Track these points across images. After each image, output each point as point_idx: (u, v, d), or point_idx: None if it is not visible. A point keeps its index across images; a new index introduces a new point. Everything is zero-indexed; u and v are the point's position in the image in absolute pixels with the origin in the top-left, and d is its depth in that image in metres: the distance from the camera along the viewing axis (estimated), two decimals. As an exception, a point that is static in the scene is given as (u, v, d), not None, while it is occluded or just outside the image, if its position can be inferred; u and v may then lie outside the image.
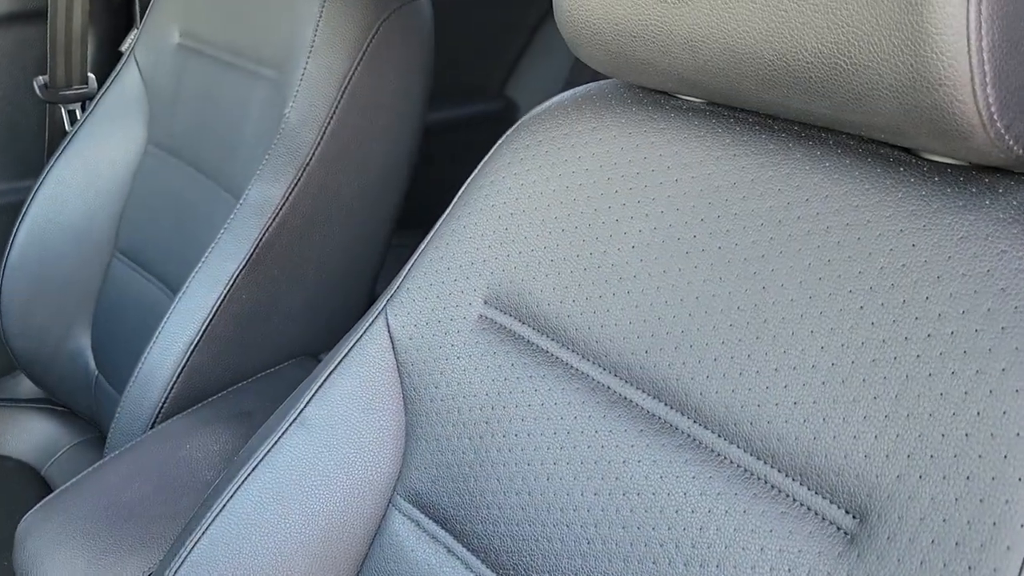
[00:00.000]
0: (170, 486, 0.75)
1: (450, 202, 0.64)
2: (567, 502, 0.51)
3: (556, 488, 0.51)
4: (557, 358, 0.54)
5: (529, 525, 0.52)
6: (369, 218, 0.92)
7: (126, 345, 1.10)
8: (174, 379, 0.83)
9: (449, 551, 0.57)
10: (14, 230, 1.11)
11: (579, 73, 1.76)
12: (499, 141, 0.63)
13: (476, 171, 0.62)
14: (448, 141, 1.56)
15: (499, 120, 1.76)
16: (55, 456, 1.17)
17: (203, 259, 0.86)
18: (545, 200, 0.57)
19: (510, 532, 0.53)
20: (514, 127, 0.62)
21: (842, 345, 0.43)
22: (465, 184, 0.63)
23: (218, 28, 1.03)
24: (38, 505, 0.75)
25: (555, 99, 0.62)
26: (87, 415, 1.17)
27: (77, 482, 0.77)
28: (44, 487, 1.12)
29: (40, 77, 1.21)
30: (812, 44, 0.42)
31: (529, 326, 0.56)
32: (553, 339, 0.55)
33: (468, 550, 0.55)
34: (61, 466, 1.15)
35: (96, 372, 1.14)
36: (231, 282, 0.83)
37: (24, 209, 1.11)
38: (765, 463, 0.44)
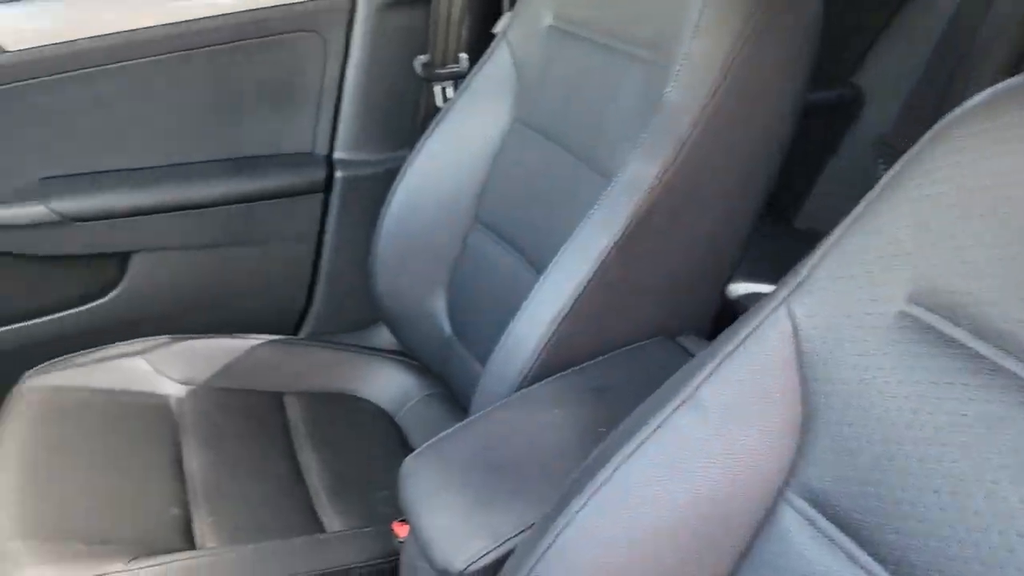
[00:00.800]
0: (540, 448, 0.79)
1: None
2: (1009, 526, 0.46)
3: (998, 508, 0.46)
4: (999, 365, 0.49)
5: (959, 545, 0.48)
6: (739, 202, 0.90)
7: (480, 311, 1.17)
8: (541, 348, 0.87)
9: (850, 557, 0.53)
10: (389, 196, 1.21)
11: (940, 62, 1.61)
12: (928, 133, 0.58)
13: (902, 162, 0.58)
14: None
15: (845, 109, 1.66)
16: (407, 405, 1.27)
17: (574, 234, 0.89)
18: (989, 195, 0.52)
19: (930, 548, 0.49)
20: (948, 118, 0.57)
21: None
22: (887, 175, 0.59)
23: (592, 10, 1.06)
24: (418, 450, 0.81)
25: (995, 89, 0.56)
26: (438, 371, 1.26)
27: (452, 433, 0.83)
28: (398, 432, 1.23)
29: (420, 57, 1.32)
30: None
31: (964, 328, 0.51)
32: (995, 345, 0.49)
33: (875, 560, 0.52)
34: (412, 414, 1.25)
35: (450, 333, 1.22)
36: (602, 258, 0.85)
37: (399, 178, 1.21)
38: None
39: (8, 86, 1.16)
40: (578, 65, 1.06)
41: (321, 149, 1.39)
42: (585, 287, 0.86)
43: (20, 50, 1.15)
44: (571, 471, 0.71)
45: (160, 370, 1.17)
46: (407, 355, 1.32)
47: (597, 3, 1.05)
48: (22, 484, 0.94)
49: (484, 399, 0.92)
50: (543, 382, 0.87)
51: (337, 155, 1.39)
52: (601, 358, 0.89)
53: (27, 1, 1.18)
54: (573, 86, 1.07)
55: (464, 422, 0.85)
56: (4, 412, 1.07)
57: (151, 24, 1.22)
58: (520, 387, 0.88)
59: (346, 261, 1.42)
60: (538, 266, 1.05)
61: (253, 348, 1.25)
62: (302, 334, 1.47)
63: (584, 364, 0.88)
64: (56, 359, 1.14)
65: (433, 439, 0.83)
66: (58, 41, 1.17)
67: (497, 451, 0.79)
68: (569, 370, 0.88)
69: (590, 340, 0.89)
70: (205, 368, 1.20)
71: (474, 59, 1.28)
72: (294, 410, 1.21)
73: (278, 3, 1.28)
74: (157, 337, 1.20)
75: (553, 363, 0.88)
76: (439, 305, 1.24)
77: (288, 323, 1.46)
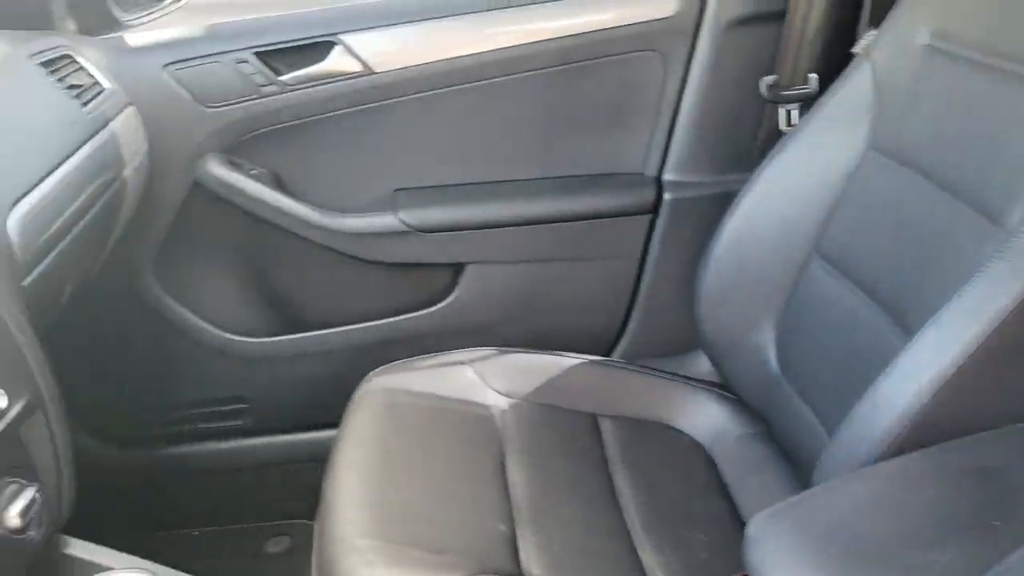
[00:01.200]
0: (910, 532, 0.70)
1: None
2: None
3: None
4: None
5: None
6: None
7: (815, 351, 1.09)
8: (911, 415, 0.77)
9: None
10: (724, 219, 1.16)
11: None
12: None
13: None
14: None
15: None
16: (724, 441, 1.21)
17: (964, 287, 0.78)
18: None
19: None
20: None
21: None
22: None
23: (985, 27, 0.93)
24: (767, 512, 0.75)
25: None
26: (757, 407, 1.19)
27: (805, 500, 0.76)
28: (714, 468, 1.17)
29: (767, 77, 1.25)
30: None
31: None
32: None
33: None
34: (729, 452, 1.19)
35: (777, 370, 1.14)
36: (999, 319, 0.74)
37: (736, 201, 1.15)
38: None
39: (375, 105, 1.25)
40: (961, 90, 0.95)
41: (651, 170, 1.37)
42: (973, 351, 0.75)
43: (386, 71, 1.24)
44: (955, 566, 0.62)
45: (486, 381, 1.21)
46: (724, 387, 1.26)
47: (993, 19, 0.92)
48: (368, 482, 1.00)
49: (833, 465, 0.84)
50: (909, 455, 0.78)
51: (667, 176, 1.36)
52: (984, 434, 0.77)
53: (389, 27, 1.26)
54: (953, 114, 0.95)
55: (817, 488, 0.78)
56: (351, 408, 1.15)
57: (496, 47, 1.26)
58: (880, 458, 0.79)
59: (667, 284, 1.39)
60: (893, 312, 0.96)
61: (572, 367, 1.25)
62: (615, 354, 1.46)
63: (962, 439, 0.78)
64: (396, 362, 1.22)
65: (782, 503, 0.76)
66: (416, 64, 1.25)
67: (859, 529, 0.72)
68: (941, 444, 0.78)
69: (974, 410, 0.78)
70: (526, 383, 1.22)
71: (824, 80, 1.19)
72: (609, 434, 1.20)
73: (619, 23, 1.27)
74: (484, 348, 1.24)
75: (921, 434, 0.78)
76: (766, 339, 1.17)
77: (603, 342, 1.46)
